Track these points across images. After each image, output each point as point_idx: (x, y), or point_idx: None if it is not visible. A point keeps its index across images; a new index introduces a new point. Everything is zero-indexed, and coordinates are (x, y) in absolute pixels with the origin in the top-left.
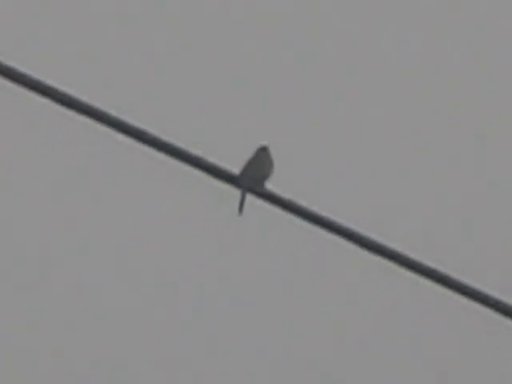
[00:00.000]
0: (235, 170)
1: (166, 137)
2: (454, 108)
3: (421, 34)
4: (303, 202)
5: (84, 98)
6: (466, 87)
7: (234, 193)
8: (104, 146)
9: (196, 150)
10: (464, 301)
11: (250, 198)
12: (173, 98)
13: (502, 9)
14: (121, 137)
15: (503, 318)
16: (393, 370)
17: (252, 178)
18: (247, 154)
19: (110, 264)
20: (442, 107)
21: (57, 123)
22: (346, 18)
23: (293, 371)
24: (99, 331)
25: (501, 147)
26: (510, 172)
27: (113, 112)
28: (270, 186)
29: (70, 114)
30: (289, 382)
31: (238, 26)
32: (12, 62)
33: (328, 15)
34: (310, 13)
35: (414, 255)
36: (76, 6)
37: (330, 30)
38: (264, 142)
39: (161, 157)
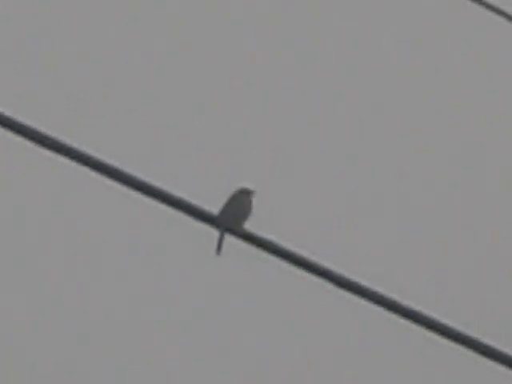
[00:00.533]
0: (214, 210)
1: (144, 176)
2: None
3: (419, 35)
4: (282, 242)
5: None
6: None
7: (213, 232)
8: (80, 183)
9: (175, 190)
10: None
11: (229, 238)
12: (151, 136)
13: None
14: (98, 175)
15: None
16: None
17: (230, 218)
18: (226, 194)
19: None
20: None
21: None
22: (345, 18)
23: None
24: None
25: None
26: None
27: (92, 152)
28: (248, 226)
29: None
30: None
31: (238, 27)
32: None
33: (328, 15)
34: (309, 13)
35: (392, 295)
36: (76, 7)
37: (329, 31)
38: (244, 184)
39: (139, 196)
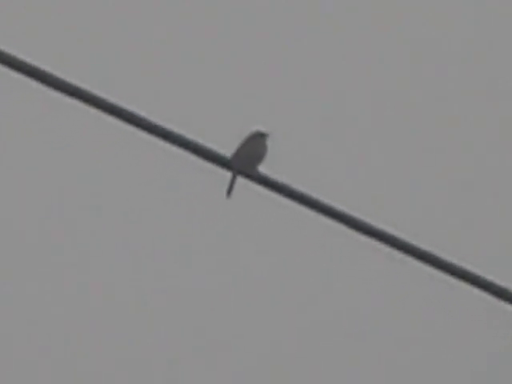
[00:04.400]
0: (228, 153)
1: (158, 119)
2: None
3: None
4: (295, 185)
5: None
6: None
7: (227, 175)
8: (94, 128)
9: (188, 133)
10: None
11: (242, 181)
12: (166, 81)
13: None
14: (111, 119)
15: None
16: (394, 360)
17: (244, 161)
18: (240, 137)
19: (100, 245)
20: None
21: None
22: (344, 19)
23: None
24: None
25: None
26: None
27: (102, 95)
28: (263, 169)
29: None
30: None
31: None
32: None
33: (327, 16)
34: (309, 13)
35: (404, 236)
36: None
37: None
38: (259, 128)
39: (152, 139)
